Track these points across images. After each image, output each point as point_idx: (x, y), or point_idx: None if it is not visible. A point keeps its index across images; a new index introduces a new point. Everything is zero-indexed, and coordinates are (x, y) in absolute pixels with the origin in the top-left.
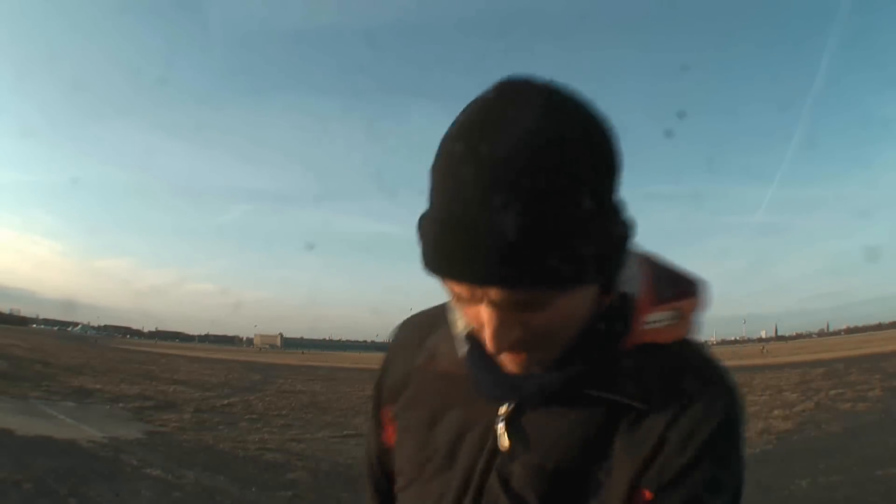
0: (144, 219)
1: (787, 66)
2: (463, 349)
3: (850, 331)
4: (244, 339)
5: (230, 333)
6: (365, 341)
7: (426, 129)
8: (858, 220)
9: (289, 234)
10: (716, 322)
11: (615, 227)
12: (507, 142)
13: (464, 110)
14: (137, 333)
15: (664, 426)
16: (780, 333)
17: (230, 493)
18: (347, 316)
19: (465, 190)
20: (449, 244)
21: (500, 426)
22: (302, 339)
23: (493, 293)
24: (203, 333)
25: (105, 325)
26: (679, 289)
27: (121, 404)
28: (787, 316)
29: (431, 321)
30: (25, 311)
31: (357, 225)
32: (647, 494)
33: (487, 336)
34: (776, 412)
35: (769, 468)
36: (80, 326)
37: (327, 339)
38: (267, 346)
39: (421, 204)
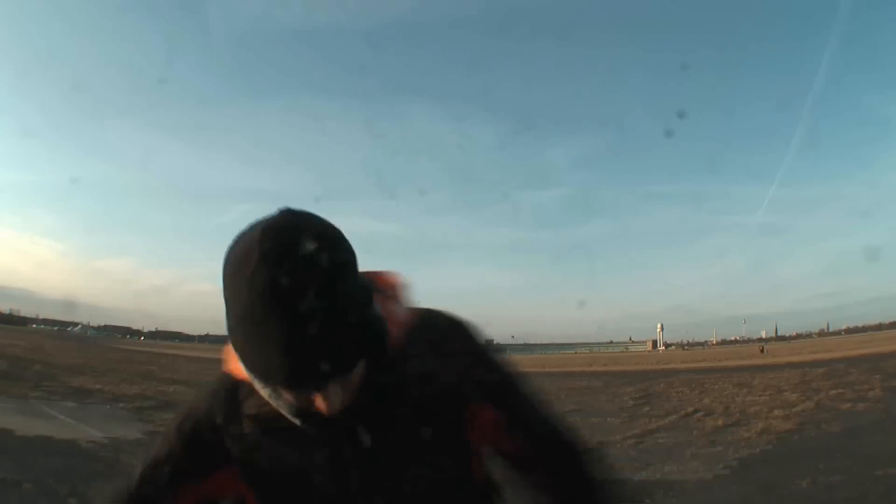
0: (144, 219)
1: (787, 66)
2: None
3: (850, 331)
4: None
5: None
6: None
7: (426, 129)
8: (858, 220)
9: None
10: (716, 322)
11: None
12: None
13: (251, 238)
14: (137, 333)
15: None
16: (780, 333)
17: None
18: None
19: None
20: (290, 366)
21: (357, 434)
22: None
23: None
24: (203, 333)
25: (105, 325)
26: (383, 287)
27: (121, 404)
28: (787, 316)
29: (221, 403)
30: (25, 311)
31: (357, 225)
32: (482, 408)
33: (324, 407)
34: (776, 412)
35: (769, 468)
36: (79, 326)
37: None
38: None
39: (420, 203)
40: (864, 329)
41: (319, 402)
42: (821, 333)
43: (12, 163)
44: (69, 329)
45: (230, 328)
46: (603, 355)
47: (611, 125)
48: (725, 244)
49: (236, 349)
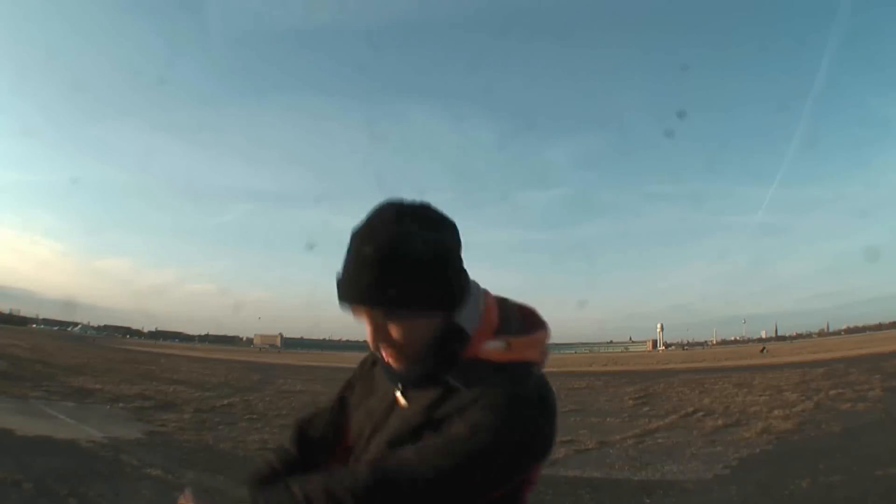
0: (144, 219)
1: (787, 66)
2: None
3: (850, 331)
4: (244, 339)
5: (230, 333)
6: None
7: (426, 129)
8: (858, 220)
9: (289, 234)
10: (716, 322)
11: (430, 293)
12: (376, 241)
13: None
14: (137, 333)
15: (471, 398)
16: (780, 333)
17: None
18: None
19: (351, 258)
20: (341, 282)
21: (398, 392)
22: (302, 339)
23: (362, 311)
24: (203, 333)
25: (105, 325)
26: (518, 329)
27: (121, 404)
28: (787, 316)
29: None
30: (25, 311)
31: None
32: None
33: (368, 338)
34: (776, 412)
35: (769, 468)
36: (79, 326)
37: (327, 339)
38: (267, 346)
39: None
40: (864, 329)
41: (366, 328)
42: (821, 333)
43: (12, 163)
44: (69, 329)
45: None
46: (603, 355)
47: (611, 125)
48: (725, 244)
49: None
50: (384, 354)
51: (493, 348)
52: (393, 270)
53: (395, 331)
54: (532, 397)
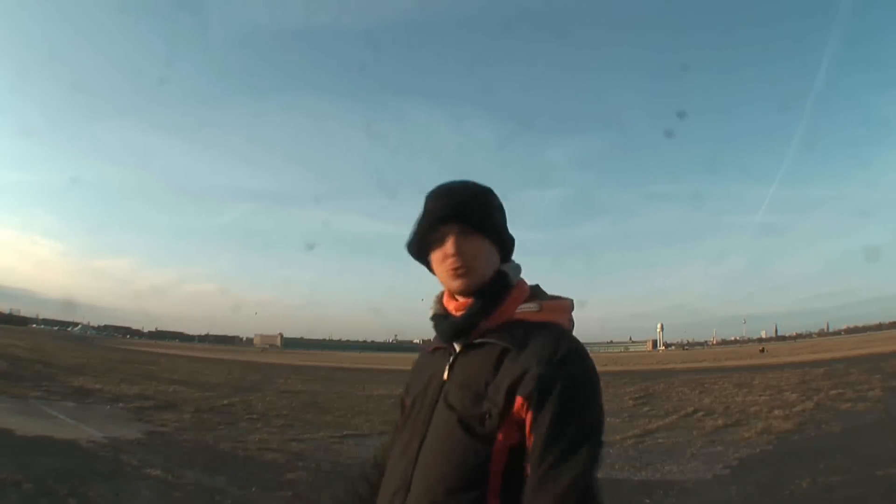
0: (144, 219)
1: (787, 66)
2: (432, 318)
3: (850, 331)
4: (244, 339)
5: (230, 333)
6: (365, 341)
7: (426, 128)
8: (858, 220)
9: (289, 234)
10: (716, 322)
11: (505, 231)
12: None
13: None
14: (137, 333)
15: (528, 357)
16: (780, 333)
17: (230, 493)
18: (347, 316)
19: (433, 196)
20: (430, 208)
21: (446, 366)
22: (302, 339)
23: (446, 230)
24: (203, 333)
25: (105, 325)
26: (545, 296)
27: (121, 404)
28: (787, 316)
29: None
30: (25, 311)
31: (357, 225)
32: (520, 400)
33: (448, 255)
34: (776, 412)
35: (769, 468)
36: (79, 326)
37: (327, 339)
38: (267, 346)
39: (420, 203)
40: (864, 329)
41: (448, 246)
42: (821, 333)
43: (12, 163)
44: (69, 329)
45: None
46: (603, 355)
47: (611, 125)
48: (725, 244)
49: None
50: (452, 273)
51: (527, 310)
52: (478, 196)
53: (471, 246)
54: (584, 349)
